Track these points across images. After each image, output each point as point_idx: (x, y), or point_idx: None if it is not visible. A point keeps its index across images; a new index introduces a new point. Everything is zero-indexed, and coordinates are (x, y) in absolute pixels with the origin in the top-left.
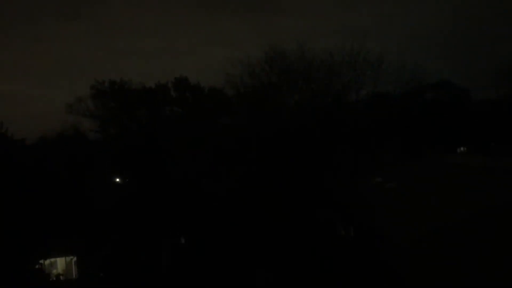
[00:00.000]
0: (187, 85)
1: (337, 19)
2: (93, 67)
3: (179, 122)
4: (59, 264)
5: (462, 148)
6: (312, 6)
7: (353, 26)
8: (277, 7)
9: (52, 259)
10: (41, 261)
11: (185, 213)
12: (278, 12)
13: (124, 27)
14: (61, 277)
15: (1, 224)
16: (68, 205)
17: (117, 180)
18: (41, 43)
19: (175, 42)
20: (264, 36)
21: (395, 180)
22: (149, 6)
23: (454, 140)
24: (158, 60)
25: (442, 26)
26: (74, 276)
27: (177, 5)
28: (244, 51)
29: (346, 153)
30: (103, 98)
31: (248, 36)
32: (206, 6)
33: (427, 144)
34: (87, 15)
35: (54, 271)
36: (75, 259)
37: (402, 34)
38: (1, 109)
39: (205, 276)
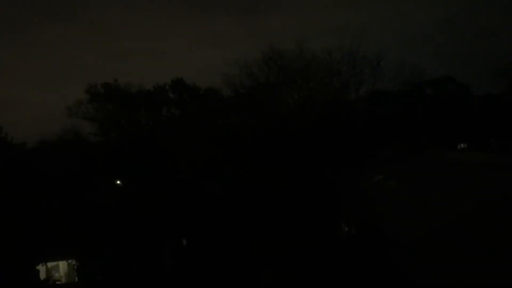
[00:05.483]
0: (184, 86)
1: (334, 17)
2: (91, 70)
3: (178, 123)
4: (61, 268)
5: (462, 145)
6: (309, 5)
7: (351, 24)
8: (273, 6)
9: (54, 263)
10: (42, 264)
11: (186, 214)
12: (274, 12)
13: (120, 29)
14: (62, 280)
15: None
16: (69, 208)
17: (118, 182)
18: (38, 47)
19: (168, 43)
20: (260, 36)
21: (395, 178)
22: (144, 7)
23: (454, 137)
24: (153, 62)
25: (442, 22)
26: (76, 280)
27: (171, 5)
28: (240, 51)
29: (346, 151)
30: (99, 101)
31: (244, 37)
32: (200, 7)
33: (427, 140)
34: (83, 17)
35: (57, 275)
36: (76, 262)
37: (401, 31)
38: (0, 113)
39: (208, 277)
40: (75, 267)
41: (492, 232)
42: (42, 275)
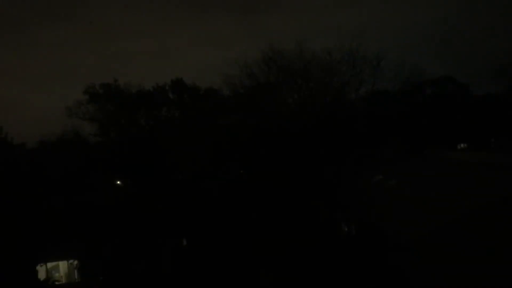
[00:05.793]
0: (184, 86)
1: (334, 17)
2: (91, 70)
3: (178, 123)
4: (61, 268)
5: (462, 145)
6: (309, 5)
7: (351, 24)
8: (273, 6)
9: (54, 263)
10: (41, 265)
11: (186, 214)
12: (274, 12)
13: (120, 29)
14: (62, 280)
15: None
16: (69, 208)
17: (118, 182)
18: (37, 47)
19: (167, 43)
20: (260, 36)
21: (395, 178)
22: (144, 7)
23: (454, 137)
24: (153, 62)
25: (442, 22)
26: (76, 280)
27: (171, 5)
28: (240, 51)
29: (346, 151)
30: (99, 101)
31: (244, 37)
32: (200, 7)
33: (427, 141)
34: (83, 18)
35: (57, 275)
36: (76, 262)
37: (401, 31)
38: (0, 113)
39: (208, 277)
40: (76, 267)
41: (492, 232)
42: (42, 275)
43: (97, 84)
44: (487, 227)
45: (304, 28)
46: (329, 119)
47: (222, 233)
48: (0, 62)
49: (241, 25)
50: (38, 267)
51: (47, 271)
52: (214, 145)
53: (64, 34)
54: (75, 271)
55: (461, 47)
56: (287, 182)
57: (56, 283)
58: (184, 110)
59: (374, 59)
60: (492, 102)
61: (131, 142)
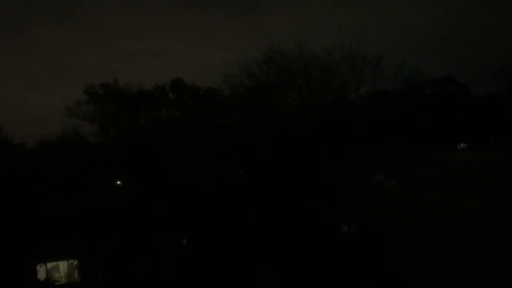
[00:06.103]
0: (184, 86)
1: (334, 17)
2: (91, 70)
3: (178, 123)
4: (61, 268)
5: (462, 145)
6: (309, 5)
7: (351, 24)
8: (273, 6)
9: (54, 263)
10: (40, 265)
11: (186, 214)
12: (274, 12)
13: (120, 29)
14: (62, 280)
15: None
16: (69, 208)
17: (118, 182)
18: (37, 47)
19: (167, 43)
20: (260, 36)
21: (395, 178)
22: (144, 7)
23: (454, 137)
24: (153, 62)
25: (442, 22)
26: (76, 280)
27: (171, 5)
28: (240, 51)
29: (346, 151)
30: (99, 101)
31: (244, 37)
32: (200, 7)
33: (427, 141)
34: (83, 17)
35: (57, 275)
36: (76, 262)
37: (401, 31)
38: (0, 113)
39: (208, 277)
40: (76, 267)
41: (492, 232)
42: (42, 275)
43: (97, 84)
44: (487, 227)
45: (304, 28)
46: (329, 119)
47: (222, 233)
48: (0, 62)
49: (241, 25)
50: (38, 267)
51: (47, 271)
52: (214, 145)
53: (64, 34)
54: (75, 271)
55: (461, 47)
56: (287, 182)
57: (56, 283)
58: (184, 110)
59: (374, 59)
60: (492, 102)
61: (131, 142)
